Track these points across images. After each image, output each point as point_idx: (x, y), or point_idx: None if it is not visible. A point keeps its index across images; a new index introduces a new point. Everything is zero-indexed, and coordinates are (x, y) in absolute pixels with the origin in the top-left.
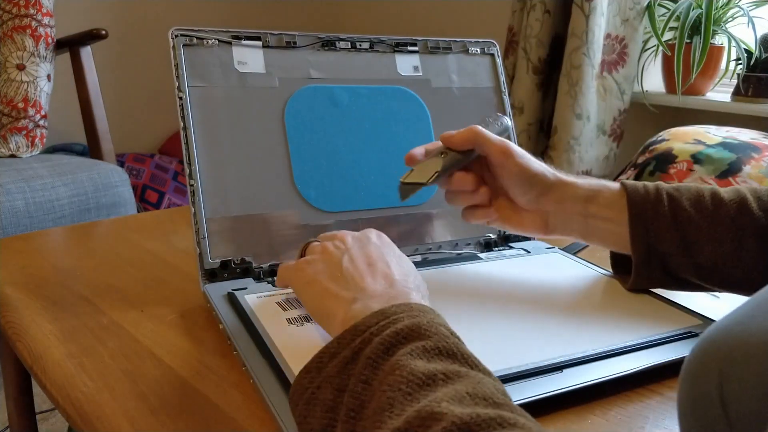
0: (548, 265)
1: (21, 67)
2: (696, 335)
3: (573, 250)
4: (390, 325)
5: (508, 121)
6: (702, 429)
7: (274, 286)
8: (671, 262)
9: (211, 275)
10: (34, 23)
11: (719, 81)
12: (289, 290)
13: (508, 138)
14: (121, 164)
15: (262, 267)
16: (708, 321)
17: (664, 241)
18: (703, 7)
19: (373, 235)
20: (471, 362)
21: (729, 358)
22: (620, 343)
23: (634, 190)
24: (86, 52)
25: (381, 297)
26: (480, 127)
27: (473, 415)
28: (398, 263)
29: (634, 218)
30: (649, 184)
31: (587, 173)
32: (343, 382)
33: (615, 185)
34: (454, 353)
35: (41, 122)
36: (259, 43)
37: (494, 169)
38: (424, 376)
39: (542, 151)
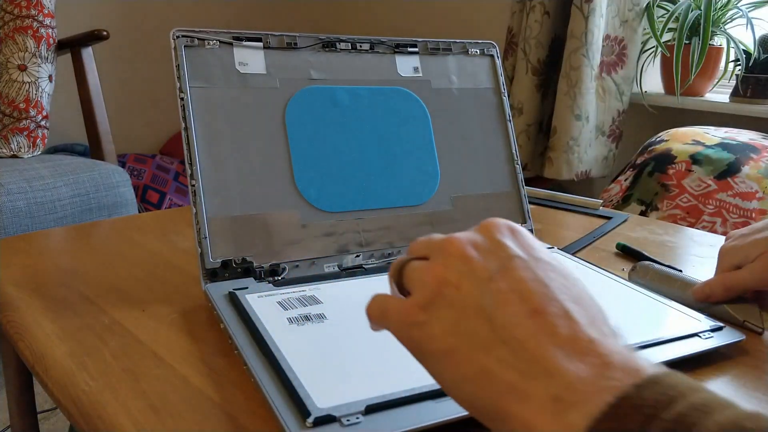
0: None
1: (22, 68)
2: (696, 335)
3: (572, 250)
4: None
5: None
6: None
7: (275, 285)
8: None
9: (212, 275)
10: (35, 24)
11: (718, 82)
12: (290, 289)
13: None
14: (123, 164)
15: (262, 267)
16: (704, 321)
17: None
18: (702, 8)
19: (508, 238)
20: None
21: None
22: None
23: None
24: (87, 53)
25: (593, 387)
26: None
27: None
28: (572, 296)
29: None
30: None
31: (586, 174)
32: None
33: None
34: None
35: (42, 123)
36: (260, 44)
37: None
38: None
39: (541, 152)
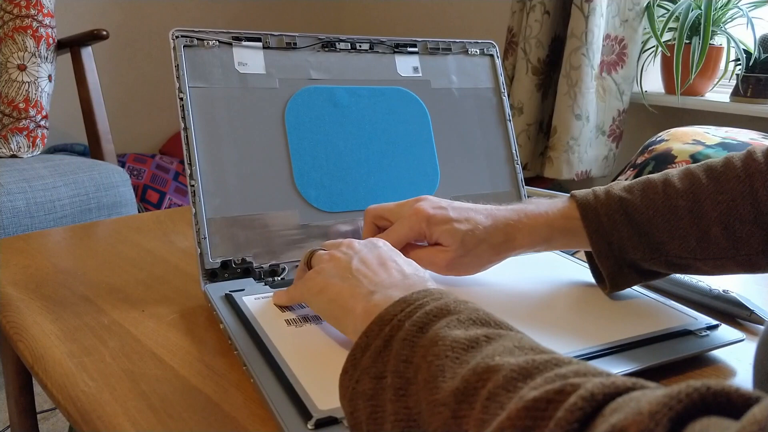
0: (542, 265)
1: (22, 68)
2: (691, 332)
3: (571, 251)
4: (417, 310)
5: None
6: None
7: (272, 287)
8: (643, 265)
9: (212, 275)
10: (35, 24)
11: (718, 82)
12: None
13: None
14: (122, 164)
15: (262, 267)
16: (700, 319)
17: (629, 249)
18: (703, 7)
19: (380, 242)
20: (505, 326)
21: None
22: (616, 341)
23: (585, 203)
24: (87, 53)
25: (399, 286)
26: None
27: (529, 361)
28: (407, 263)
29: (593, 235)
30: (600, 192)
31: (586, 174)
32: (378, 369)
33: (569, 205)
34: (488, 321)
35: (42, 122)
36: (260, 44)
37: None
38: (467, 341)
39: (541, 152)
